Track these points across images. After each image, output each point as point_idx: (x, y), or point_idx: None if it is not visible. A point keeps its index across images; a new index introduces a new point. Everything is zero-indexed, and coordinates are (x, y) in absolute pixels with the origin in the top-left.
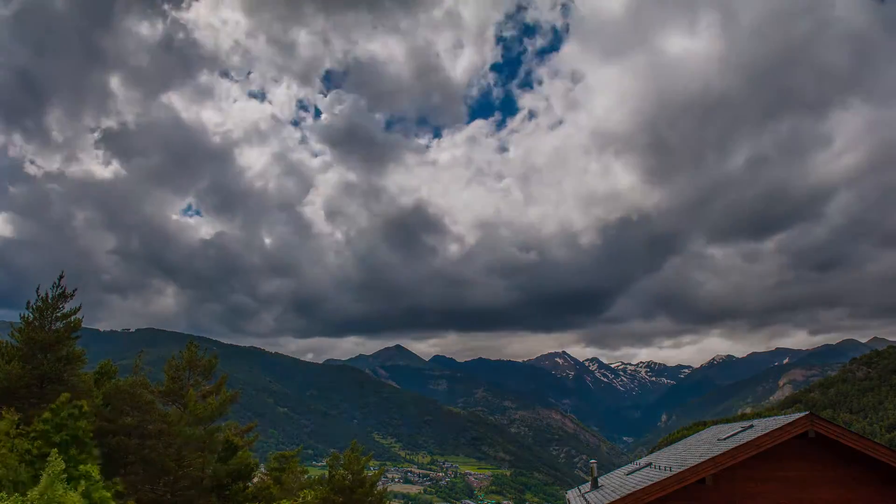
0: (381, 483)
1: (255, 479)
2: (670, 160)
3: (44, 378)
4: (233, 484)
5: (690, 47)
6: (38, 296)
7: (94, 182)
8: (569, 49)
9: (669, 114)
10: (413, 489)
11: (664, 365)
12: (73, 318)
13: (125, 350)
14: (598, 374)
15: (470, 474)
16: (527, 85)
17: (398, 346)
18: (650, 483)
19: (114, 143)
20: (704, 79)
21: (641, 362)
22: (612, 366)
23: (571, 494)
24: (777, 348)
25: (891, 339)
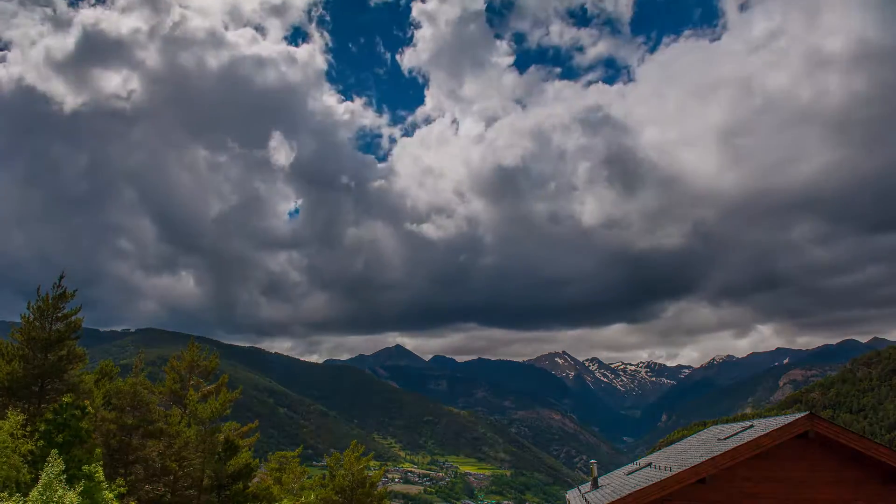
0: (381, 483)
1: (255, 479)
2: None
3: (44, 378)
4: (233, 484)
5: None
6: (39, 296)
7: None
8: None
9: None
10: (413, 489)
11: (664, 365)
12: (73, 318)
13: (126, 350)
14: (598, 374)
15: (470, 474)
16: None
17: (398, 346)
18: (650, 483)
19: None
20: None
21: (641, 362)
22: (613, 366)
23: (571, 494)
24: (777, 348)
25: (891, 339)
